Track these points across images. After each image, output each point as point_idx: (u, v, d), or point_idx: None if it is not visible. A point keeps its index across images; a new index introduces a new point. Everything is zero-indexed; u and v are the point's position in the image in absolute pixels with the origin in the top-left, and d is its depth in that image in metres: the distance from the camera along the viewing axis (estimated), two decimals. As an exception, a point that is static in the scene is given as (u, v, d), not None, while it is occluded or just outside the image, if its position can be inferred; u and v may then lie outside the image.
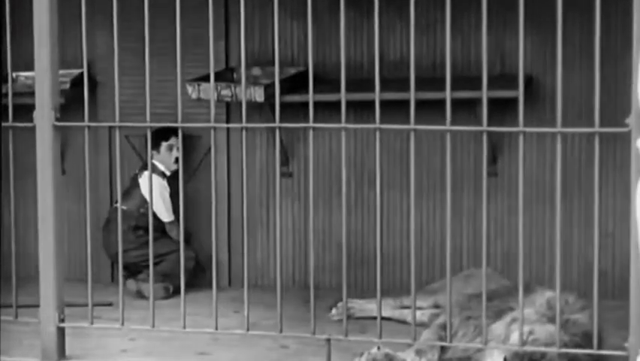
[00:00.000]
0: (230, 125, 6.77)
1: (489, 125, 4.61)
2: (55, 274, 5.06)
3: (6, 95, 5.23)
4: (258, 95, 6.71)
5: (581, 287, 5.86)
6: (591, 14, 4.42)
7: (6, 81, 5.30)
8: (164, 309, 5.96)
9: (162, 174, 7.23)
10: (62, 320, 5.10)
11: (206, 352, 5.55)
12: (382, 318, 4.87)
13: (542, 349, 4.63)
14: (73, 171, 7.45)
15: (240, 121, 4.95)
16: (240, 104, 5.07)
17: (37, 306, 5.11)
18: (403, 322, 6.02)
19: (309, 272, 5.00)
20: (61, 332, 5.11)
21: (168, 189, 7.23)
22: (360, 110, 6.67)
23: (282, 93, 5.08)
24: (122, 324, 5.13)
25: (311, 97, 4.77)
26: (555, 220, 4.59)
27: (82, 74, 5.83)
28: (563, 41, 4.46)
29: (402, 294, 6.43)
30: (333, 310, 6.27)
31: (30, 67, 5.11)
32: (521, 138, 4.54)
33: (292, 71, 7.00)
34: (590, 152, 5.71)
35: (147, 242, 6.88)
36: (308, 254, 6.95)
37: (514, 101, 4.99)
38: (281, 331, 4.90)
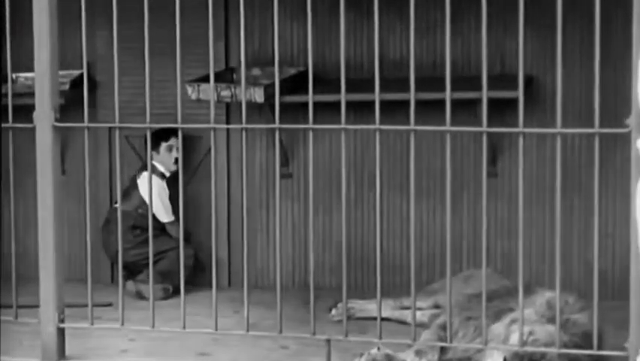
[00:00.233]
0: (230, 125, 6.79)
1: (489, 125, 4.61)
2: (55, 274, 5.06)
3: (6, 95, 5.23)
4: (258, 95, 6.71)
5: (581, 288, 5.86)
6: (591, 15, 4.43)
7: (6, 82, 5.30)
8: (163, 309, 5.96)
9: (162, 175, 7.23)
10: (62, 321, 5.10)
11: (206, 352, 5.55)
12: (382, 318, 4.87)
13: (542, 349, 4.63)
14: (73, 172, 7.45)
15: (240, 122, 4.95)
16: (240, 104, 5.07)
17: (37, 306, 5.11)
18: (403, 322, 6.02)
19: (309, 272, 5.00)
20: (61, 332, 5.11)
21: (167, 190, 7.23)
22: (360, 110, 6.66)
23: (281, 94, 5.08)
24: (122, 324, 5.13)
25: (311, 98, 4.77)
26: (555, 221, 4.59)
27: (82, 74, 5.84)
28: (563, 42, 4.46)
29: (402, 294, 6.42)
30: (333, 311, 6.27)
31: (30, 68, 5.11)
32: (521, 138, 4.54)
33: (292, 71, 7.00)
34: (590, 152, 5.71)
35: (145, 241, 6.95)
36: (308, 254, 6.95)
37: (514, 102, 4.99)
38: (281, 331, 4.90)
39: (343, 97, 4.73)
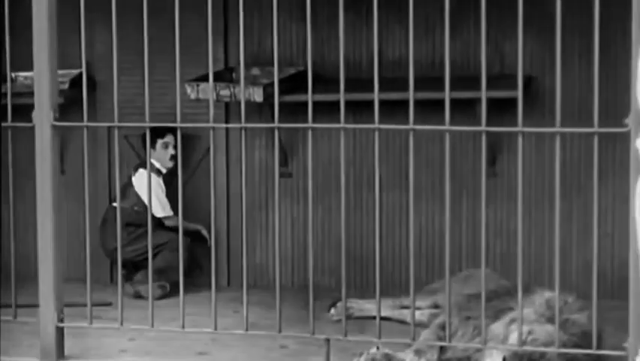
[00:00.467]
0: (230, 125, 6.78)
1: (488, 125, 4.61)
2: (54, 274, 5.06)
3: (5, 95, 5.22)
4: (257, 95, 6.71)
5: (580, 287, 5.85)
6: (590, 14, 4.42)
7: (5, 81, 5.30)
8: (163, 309, 5.96)
9: (158, 172, 7.25)
10: (61, 320, 5.09)
11: (205, 352, 5.55)
12: (381, 318, 4.87)
13: (541, 349, 4.63)
14: (73, 171, 7.45)
15: (239, 121, 4.95)
16: (239, 104, 5.07)
17: (37, 306, 5.11)
18: (402, 322, 6.02)
19: (308, 272, 5.00)
20: (60, 331, 5.10)
21: (163, 186, 7.24)
22: (360, 110, 6.67)
23: (281, 93, 5.07)
24: (121, 324, 5.13)
25: (310, 97, 4.77)
26: (554, 220, 4.59)
27: (81, 74, 5.83)
28: (562, 41, 4.46)
29: (401, 294, 6.43)
30: (333, 310, 6.27)
31: (29, 67, 5.11)
32: (520, 138, 4.54)
33: (291, 71, 7.00)
34: (589, 152, 5.70)
35: (139, 236, 7.00)
36: (307, 254, 6.95)
37: (513, 102, 4.99)
38: (280, 331, 4.89)
39: (342, 96, 4.73)
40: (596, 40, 4.37)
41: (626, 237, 4.33)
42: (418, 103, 4.77)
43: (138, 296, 6.94)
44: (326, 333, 4.94)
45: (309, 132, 4.79)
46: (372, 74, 4.73)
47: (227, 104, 7.33)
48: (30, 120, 5.05)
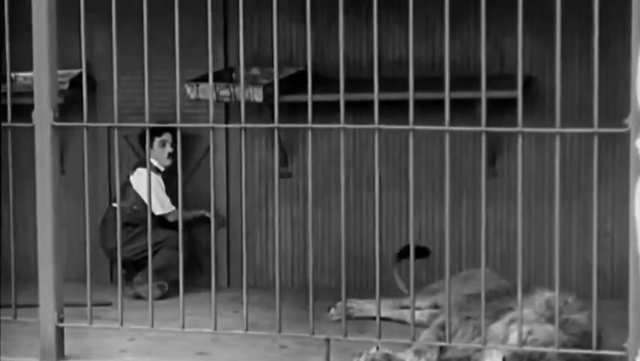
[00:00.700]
0: (229, 125, 6.79)
1: (488, 125, 4.61)
2: (54, 274, 5.06)
3: (5, 95, 5.22)
4: (257, 95, 6.71)
5: (580, 287, 5.85)
6: (590, 14, 4.42)
7: (5, 81, 5.30)
8: (163, 309, 5.96)
9: (156, 170, 7.26)
10: (61, 320, 5.10)
11: (205, 352, 5.55)
12: (381, 318, 4.87)
13: (541, 349, 4.63)
14: (72, 171, 7.45)
15: (239, 121, 4.95)
16: (239, 104, 5.07)
17: (37, 306, 5.11)
18: (402, 322, 6.02)
19: (308, 272, 5.00)
20: (60, 331, 5.11)
21: (162, 183, 7.25)
22: (360, 110, 6.66)
23: (280, 93, 5.07)
24: (121, 324, 5.13)
25: (310, 97, 4.77)
26: (554, 220, 4.59)
27: (81, 74, 5.83)
28: (562, 41, 4.46)
29: (401, 294, 6.43)
30: (332, 310, 6.27)
31: (29, 67, 5.11)
32: (520, 138, 4.54)
33: (291, 71, 7.00)
34: (589, 152, 5.70)
35: (137, 235, 7.01)
36: (307, 254, 6.95)
37: (513, 102, 4.99)
38: (280, 331, 4.90)
39: (342, 96, 4.73)
40: (596, 40, 4.37)
41: (626, 237, 4.33)
42: (418, 103, 4.77)
43: (138, 297, 6.95)
44: (326, 333, 4.94)
45: (309, 132, 4.79)
46: (372, 74, 4.73)
47: (227, 104, 7.33)
48: (30, 120, 5.05)
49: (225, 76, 7.22)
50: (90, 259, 5.20)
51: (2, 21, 5.25)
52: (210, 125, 4.97)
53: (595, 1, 4.34)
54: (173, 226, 6.89)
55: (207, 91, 6.71)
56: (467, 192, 7.05)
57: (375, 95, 4.65)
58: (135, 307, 6.08)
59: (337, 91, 4.77)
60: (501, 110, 6.25)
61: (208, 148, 6.81)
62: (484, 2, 4.44)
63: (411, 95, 4.65)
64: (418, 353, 5.06)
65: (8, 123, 5.16)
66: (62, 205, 5.25)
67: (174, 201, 7.06)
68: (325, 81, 6.71)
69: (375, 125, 4.68)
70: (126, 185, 7.21)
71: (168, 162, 7.26)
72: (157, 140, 7.24)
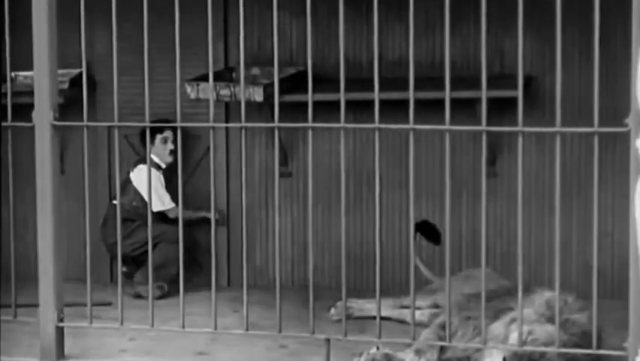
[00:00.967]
0: (230, 124, 6.79)
1: (488, 124, 4.61)
2: (54, 273, 5.06)
3: (5, 94, 5.22)
4: (257, 94, 6.71)
5: (580, 287, 5.86)
6: (590, 14, 4.42)
7: (5, 81, 5.29)
8: (163, 309, 5.96)
9: (157, 167, 7.26)
10: (61, 320, 5.09)
11: (205, 352, 5.55)
12: (381, 318, 4.86)
13: (541, 349, 4.63)
14: (73, 171, 7.45)
15: (239, 121, 4.94)
16: (239, 103, 5.07)
17: (37, 306, 5.10)
18: (402, 322, 6.02)
19: (308, 272, 5.00)
20: (60, 331, 5.10)
21: (163, 180, 7.26)
22: (360, 109, 6.67)
23: (281, 93, 5.07)
24: (121, 324, 5.13)
25: (310, 97, 4.77)
26: (554, 220, 4.59)
27: (81, 73, 5.83)
28: (563, 41, 4.46)
29: (401, 294, 6.43)
30: (332, 310, 6.27)
31: (29, 66, 5.11)
32: (520, 137, 4.54)
33: (291, 70, 7.00)
34: (589, 152, 5.70)
35: (135, 229, 7.02)
36: (307, 254, 6.95)
37: (513, 101, 4.99)
38: (280, 331, 4.89)
39: (342, 96, 4.72)
40: (596, 39, 4.36)
41: (626, 236, 4.33)
42: (418, 103, 4.77)
43: (138, 296, 6.96)
44: (326, 333, 4.94)
45: (309, 132, 4.79)
46: (372, 73, 4.73)
47: (227, 104, 7.33)
48: (30, 120, 5.04)
49: (225, 75, 7.22)
50: (90, 259, 5.20)
51: (2, 20, 5.25)
52: (210, 124, 4.97)
53: (595, 1, 4.33)
54: (174, 221, 6.90)
55: (207, 90, 6.71)
56: (467, 192, 7.05)
57: (376, 95, 4.65)
58: (135, 307, 6.08)
59: (337, 90, 4.77)
60: (501, 109, 6.25)
61: (208, 148, 6.81)
62: (484, 2, 4.43)
63: (411, 95, 4.64)
64: (418, 352, 5.06)
65: (8, 123, 5.16)
66: (62, 205, 5.25)
67: (175, 199, 7.06)
68: (325, 81, 6.71)
69: (376, 125, 4.68)
70: (126, 182, 7.22)
71: (170, 159, 7.27)
72: (159, 136, 7.25)
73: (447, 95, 4.58)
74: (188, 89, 6.89)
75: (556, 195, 4.51)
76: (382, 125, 4.70)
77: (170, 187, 7.20)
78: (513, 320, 4.80)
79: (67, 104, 6.38)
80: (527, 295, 4.88)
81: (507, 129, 5.10)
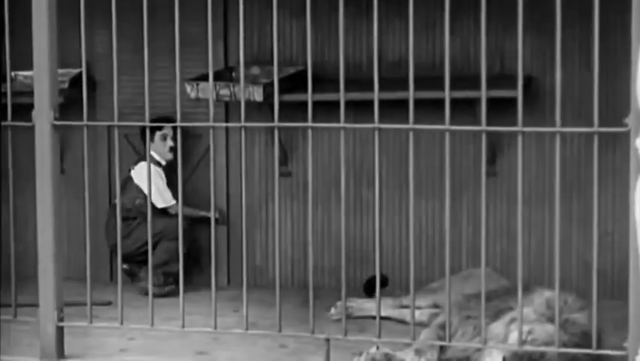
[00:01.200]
0: (229, 124, 6.78)
1: (488, 124, 4.61)
2: (54, 273, 5.06)
3: (5, 94, 5.22)
4: (257, 94, 6.71)
5: (580, 287, 5.86)
6: (590, 14, 4.42)
7: (5, 80, 5.30)
8: (163, 308, 5.96)
9: (157, 164, 7.26)
10: (61, 319, 5.10)
11: (205, 351, 5.55)
12: (381, 317, 4.87)
13: (541, 349, 4.63)
14: (73, 171, 7.45)
15: (239, 120, 4.95)
16: (239, 103, 5.07)
17: (37, 305, 5.11)
18: (402, 321, 6.02)
19: (308, 271, 5.00)
20: (60, 331, 5.11)
21: (164, 176, 7.25)
22: (360, 109, 6.65)
23: (281, 93, 5.07)
24: (121, 323, 5.13)
25: (310, 96, 4.77)
26: (554, 220, 4.59)
27: (81, 73, 5.83)
28: (562, 41, 4.46)
29: (401, 293, 6.43)
30: (332, 310, 6.27)
31: (29, 66, 5.11)
32: (520, 137, 4.54)
33: (291, 70, 7.00)
34: (589, 152, 5.71)
35: (136, 226, 7.04)
36: (307, 253, 6.94)
37: (513, 101, 4.99)
38: (280, 330, 4.90)
39: (342, 96, 4.73)
40: (596, 39, 4.37)
41: (626, 236, 4.33)
42: (417, 102, 4.77)
43: (147, 293, 6.94)
44: (326, 332, 4.95)
45: (309, 132, 4.80)
46: (372, 73, 4.73)
47: (227, 104, 7.33)
48: (30, 119, 5.05)
49: (225, 75, 7.22)
50: (90, 258, 5.20)
51: (2, 20, 5.25)
52: (210, 124, 4.97)
53: (595, 1, 4.34)
54: (176, 217, 6.89)
55: (207, 90, 6.70)
56: (467, 192, 7.05)
57: (376, 95, 4.65)
58: (135, 307, 6.08)
59: (337, 90, 4.77)
60: (501, 109, 6.24)
61: (208, 147, 6.82)
62: (484, 2, 4.43)
63: (411, 95, 4.65)
64: (418, 352, 5.06)
65: (8, 122, 5.16)
66: (62, 204, 5.25)
67: (176, 197, 7.05)
68: (325, 80, 6.71)
69: (375, 125, 4.69)
70: (127, 180, 7.22)
71: (170, 156, 7.26)
72: (158, 133, 7.25)
73: (447, 95, 4.58)
74: (188, 89, 6.89)
75: (556, 195, 4.51)
76: (382, 125, 4.71)
77: (170, 186, 7.20)
78: (513, 320, 4.80)
79: (67, 104, 6.38)
80: (527, 295, 4.88)
81: (507, 129, 5.10)
